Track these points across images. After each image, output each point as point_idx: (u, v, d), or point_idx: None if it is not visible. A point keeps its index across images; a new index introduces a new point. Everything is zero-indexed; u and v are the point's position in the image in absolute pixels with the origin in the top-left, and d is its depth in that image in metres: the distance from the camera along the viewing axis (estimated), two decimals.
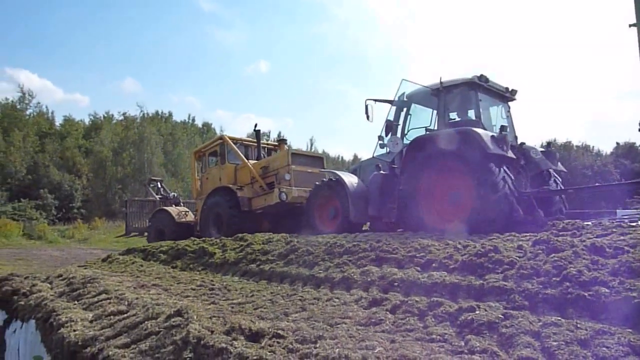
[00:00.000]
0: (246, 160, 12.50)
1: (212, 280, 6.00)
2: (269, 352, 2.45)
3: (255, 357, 2.33)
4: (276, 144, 14.36)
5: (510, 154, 7.09)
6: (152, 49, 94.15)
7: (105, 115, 56.37)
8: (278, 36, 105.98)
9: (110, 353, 2.89)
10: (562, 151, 44.95)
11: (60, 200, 42.26)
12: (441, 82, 8.14)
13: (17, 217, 35.35)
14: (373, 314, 3.57)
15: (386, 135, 8.64)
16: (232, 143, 12.84)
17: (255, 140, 13.75)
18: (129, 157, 44.77)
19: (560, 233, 5.05)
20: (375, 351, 2.52)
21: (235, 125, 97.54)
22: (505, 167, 6.88)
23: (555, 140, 46.62)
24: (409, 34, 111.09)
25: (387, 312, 3.59)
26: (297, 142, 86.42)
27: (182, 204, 16.01)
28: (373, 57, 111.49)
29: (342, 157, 69.62)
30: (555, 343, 2.56)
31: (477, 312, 3.19)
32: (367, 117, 8.75)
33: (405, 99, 8.80)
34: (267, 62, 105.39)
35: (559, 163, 8.54)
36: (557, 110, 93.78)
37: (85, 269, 7.77)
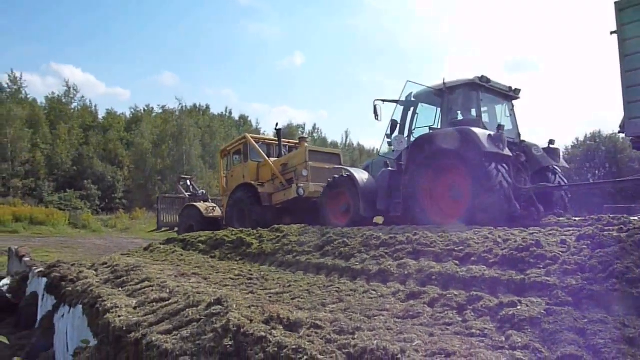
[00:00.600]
0: (267, 158, 12.94)
1: (249, 270, 6.09)
2: (308, 342, 2.46)
3: (293, 347, 2.35)
4: (297, 141, 14.60)
5: (506, 152, 7.35)
6: (190, 42, 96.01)
7: (145, 109, 57.80)
8: (313, 28, 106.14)
9: (153, 339, 2.97)
10: (608, 144, 43.09)
11: (103, 190, 43.73)
12: (444, 83, 8.54)
13: (63, 207, 36.86)
14: (411, 306, 3.54)
15: (391, 134, 9.00)
16: (254, 142, 13.42)
17: (276, 138, 14.19)
18: (168, 149, 45.78)
19: (606, 228, 4.87)
20: (414, 344, 2.50)
21: (270, 118, 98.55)
22: (501, 165, 7.18)
23: (600, 132, 44.75)
24: (445, 25, 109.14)
25: (425, 306, 3.56)
26: (332, 135, 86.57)
27: (210, 201, 16.60)
28: (408, 48, 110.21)
29: (376, 149, 69.15)
30: (601, 341, 2.47)
31: (519, 307, 3.13)
32: (376, 117, 9.08)
33: (412, 99, 9.11)
34: (302, 55, 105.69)
35: (562, 160, 8.76)
36: (606, 99, 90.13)
37: (128, 257, 8.01)
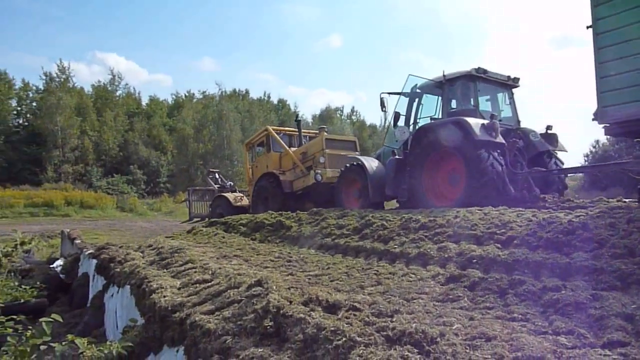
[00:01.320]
0: (287, 148, 13.74)
1: (289, 253, 6.16)
2: (346, 324, 2.48)
3: (332, 328, 2.37)
4: (316, 131, 15.11)
5: (499, 139, 7.79)
6: (227, 27, 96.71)
7: (187, 95, 58.87)
8: (350, 9, 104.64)
9: (197, 319, 3.06)
10: None
11: (148, 175, 45.18)
12: (444, 75, 9.14)
13: (111, 191, 38.32)
14: (450, 290, 3.51)
15: (395, 125, 9.62)
16: (275, 134, 14.20)
17: (297, 129, 15.00)
18: (209, 134, 46.60)
19: None
20: (454, 327, 2.48)
21: (309, 100, 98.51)
22: (493, 151, 7.65)
23: None
24: (487, 1, 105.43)
25: (465, 289, 3.51)
26: (371, 117, 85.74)
27: (237, 191, 17.56)
28: (448, 26, 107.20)
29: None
30: None
31: (563, 291, 3.04)
32: (382, 109, 9.85)
33: (418, 90, 9.73)
34: (340, 36, 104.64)
35: (560, 143, 9.17)
36: None
37: (172, 239, 8.25)
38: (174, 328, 3.36)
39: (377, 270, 4.50)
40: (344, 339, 2.27)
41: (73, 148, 42.46)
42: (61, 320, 3.54)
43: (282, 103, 64.33)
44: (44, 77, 45.60)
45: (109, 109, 48.53)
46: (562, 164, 9.15)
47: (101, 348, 3.45)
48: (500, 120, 8.64)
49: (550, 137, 9.13)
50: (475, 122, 7.77)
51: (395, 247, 5.23)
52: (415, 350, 2.18)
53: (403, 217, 6.34)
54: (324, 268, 4.86)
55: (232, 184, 18.54)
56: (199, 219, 17.26)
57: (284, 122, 62.12)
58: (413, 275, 4.12)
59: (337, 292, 3.38)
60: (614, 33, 5.70)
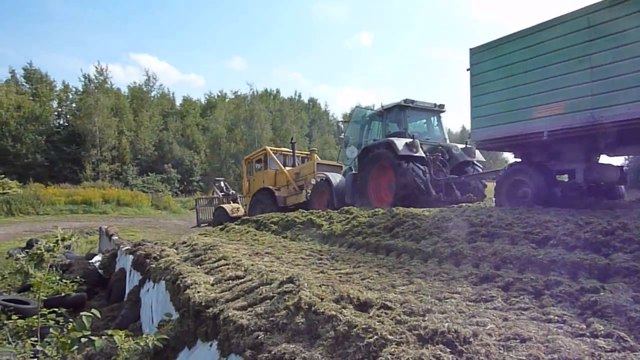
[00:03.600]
0: (283, 168, 15.47)
1: (320, 251, 6.18)
2: (378, 322, 2.48)
3: (364, 326, 2.37)
4: (308, 153, 17.61)
5: (419, 153, 9.93)
6: (257, 27, 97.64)
7: (219, 95, 59.67)
8: (381, 7, 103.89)
9: (230, 314, 3.12)
10: None
11: (181, 174, 46.06)
12: (382, 106, 11.75)
13: (146, 190, 39.24)
14: (484, 290, 3.45)
15: (345, 147, 12.32)
16: (272, 153, 16.10)
17: (291, 150, 16.88)
18: (241, 133, 47.15)
19: None
20: (487, 328, 2.44)
21: (338, 99, 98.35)
22: (414, 163, 9.76)
23: None
24: None
25: (499, 289, 3.45)
26: None
27: (238, 200, 19.32)
28: (480, 23, 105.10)
29: (449, 129, 67.16)
30: None
31: (602, 293, 2.96)
32: (339, 134, 12.77)
33: (367, 118, 12.45)
34: (370, 34, 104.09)
35: (477, 154, 10.94)
36: None
37: (206, 237, 8.40)
38: (207, 323, 3.42)
39: (409, 269, 4.47)
40: (375, 336, 2.27)
41: (110, 148, 43.68)
42: (99, 316, 3.65)
43: (312, 102, 64.52)
44: (83, 79, 47.19)
45: (145, 109, 49.70)
46: (481, 170, 11.06)
47: (138, 341, 3.55)
48: (428, 139, 11.31)
49: (468, 150, 10.90)
50: (399, 141, 9.96)
51: (427, 246, 5.17)
52: (448, 350, 2.17)
53: (435, 215, 6.27)
54: (355, 266, 4.86)
55: (234, 192, 19.86)
56: (205, 224, 19.41)
57: (315, 121, 62.31)
58: (445, 275, 4.07)
59: (368, 290, 3.38)
60: (480, 76, 7.93)
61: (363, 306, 2.88)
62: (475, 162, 10.88)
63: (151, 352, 3.60)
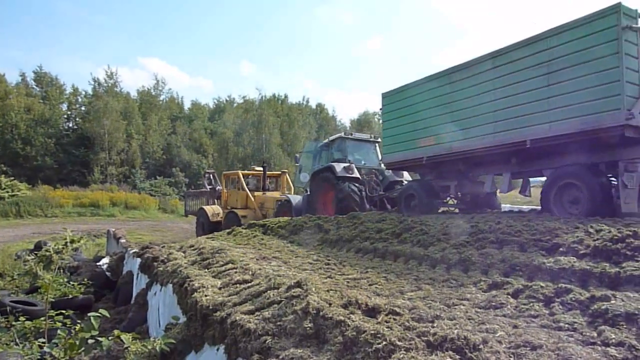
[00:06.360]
0: (250, 195, 16.97)
1: (327, 256, 6.16)
2: (386, 327, 2.46)
3: (372, 332, 2.36)
4: (279, 173, 19.34)
5: (355, 174, 12.07)
6: (265, 31, 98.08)
7: (227, 99, 59.94)
8: (390, 11, 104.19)
9: (237, 318, 3.11)
10: None
11: (189, 177, 46.19)
12: (328, 139, 14.43)
13: (154, 193, 39.38)
14: (493, 297, 3.43)
15: (299, 173, 14.89)
16: (243, 180, 17.57)
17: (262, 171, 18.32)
18: (249, 137, 47.23)
19: None
20: (497, 335, 2.43)
21: (347, 104, 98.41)
22: (351, 183, 11.77)
23: None
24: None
25: (509, 297, 3.42)
26: None
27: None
28: (492, 26, 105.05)
29: None
30: None
31: (613, 301, 2.92)
32: (296, 162, 15.67)
33: (318, 149, 14.69)
34: (378, 39, 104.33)
35: (405, 174, 12.91)
36: None
37: (213, 240, 8.40)
38: (214, 327, 3.42)
39: (417, 275, 4.45)
40: (384, 342, 2.26)
41: (119, 151, 43.96)
42: (108, 315, 3.67)
43: (320, 107, 64.56)
44: (93, 82, 47.59)
45: (153, 113, 49.99)
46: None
47: (145, 344, 3.55)
48: (365, 164, 13.62)
49: (398, 171, 12.60)
50: (338, 165, 12.14)
51: (435, 253, 5.14)
52: (457, 357, 2.15)
53: (444, 222, 6.24)
54: (363, 272, 4.84)
55: (220, 188, 19.62)
56: (194, 216, 20.04)
57: (322, 126, 62.34)
58: (454, 281, 4.05)
59: (376, 296, 3.37)
60: (387, 114, 10.66)
61: (371, 312, 2.87)
62: (404, 180, 12.85)
63: (158, 356, 3.60)
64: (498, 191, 9.42)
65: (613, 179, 6.84)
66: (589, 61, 6.41)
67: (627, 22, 6.10)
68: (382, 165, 13.28)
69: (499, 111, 7.76)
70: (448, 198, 10.04)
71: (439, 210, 9.70)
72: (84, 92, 48.40)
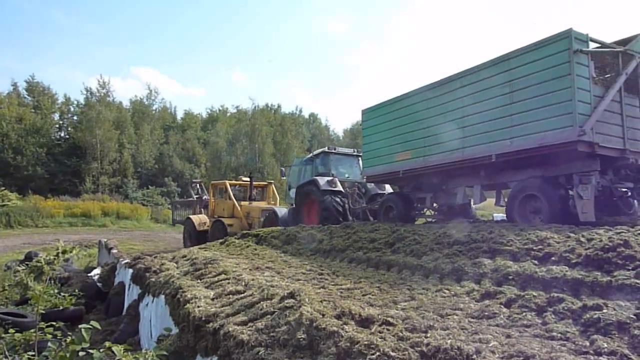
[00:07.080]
0: (237, 205, 17.24)
1: (320, 266, 6.15)
2: (380, 338, 2.46)
3: (366, 342, 2.36)
4: (266, 183, 19.74)
5: (338, 187, 12.52)
6: (257, 41, 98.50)
7: (220, 109, 59.93)
8: (381, 21, 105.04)
9: (230, 329, 3.10)
10: None
11: (182, 187, 45.92)
12: (312, 153, 15.24)
13: (146, 203, 39.14)
14: (486, 307, 3.43)
15: (289, 190, 15.51)
16: (230, 190, 17.90)
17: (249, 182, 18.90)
18: (242, 147, 47.18)
19: None
20: (490, 345, 2.43)
21: (341, 114, 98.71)
22: (333, 195, 12.28)
23: None
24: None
25: (502, 306, 3.43)
26: None
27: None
28: (485, 35, 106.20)
29: None
30: None
31: (605, 310, 2.94)
32: (282, 176, 17.24)
33: (303, 162, 15.34)
34: (371, 49, 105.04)
35: (387, 187, 13.52)
36: None
37: (206, 250, 8.37)
38: (207, 338, 3.40)
39: (410, 285, 4.45)
40: (377, 353, 2.26)
41: (111, 161, 43.70)
42: (99, 327, 3.63)
43: (313, 117, 64.76)
44: (85, 92, 47.38)
45: (146, 122, 49.83)
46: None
47: (137, 356, 3.51)
48: (348, 177, 14.17)
49: (380, 184, 13.25)
50: (322, 179, 12.63)
51: (428, 262, 5.15)
52: None
53: (436, 232, 6.26)
54: (356, 282, 4.84)
55: (206, 198, 19.79)
56: (181, 225, 20.17)
57: (315, 135, 62.47)
58: (447, 291, 4.06)
59: (369, 306, 3.37)
60: (366, 130, 11.32)
61: (365, 322, 2.87)
62: (386, 193, 13.23)
63: None
64: (472, 202, 9.83)
65: (571, 191, 7.11)
66: (544, 82, 6.89)
67: (578, 46, 6.59)
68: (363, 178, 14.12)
69: (467, 127, 8.24)
70: (425, 209, 10.56)
71: (414, 221, 10.36)
72: (76, 102, 48.15)
